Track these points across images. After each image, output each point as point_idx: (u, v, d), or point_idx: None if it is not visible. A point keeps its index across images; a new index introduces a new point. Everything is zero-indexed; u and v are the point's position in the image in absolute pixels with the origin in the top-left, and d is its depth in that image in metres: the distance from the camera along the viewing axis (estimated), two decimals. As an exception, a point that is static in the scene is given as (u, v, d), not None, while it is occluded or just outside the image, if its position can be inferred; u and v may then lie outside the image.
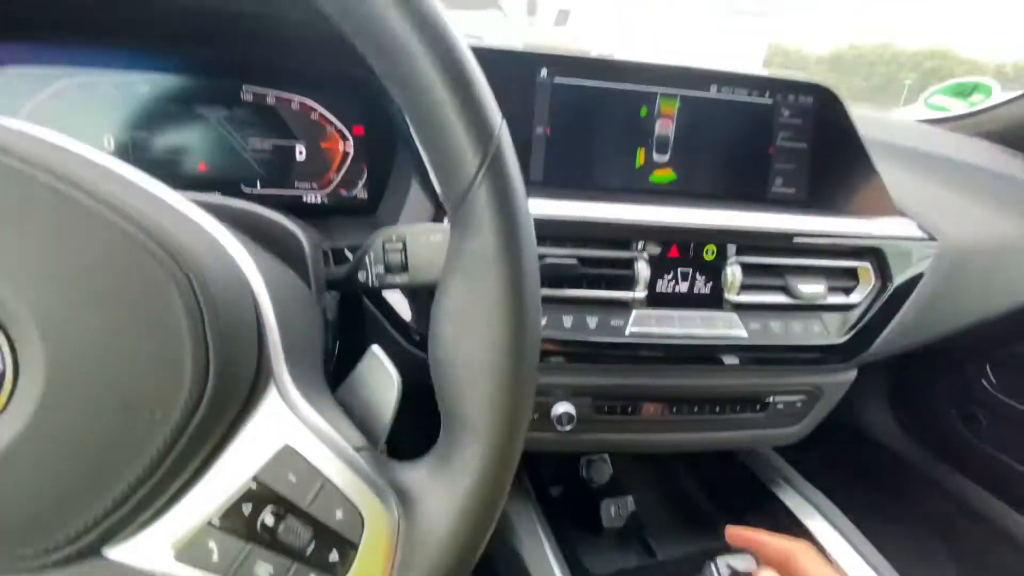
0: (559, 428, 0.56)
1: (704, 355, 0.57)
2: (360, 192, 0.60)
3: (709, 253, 0.56)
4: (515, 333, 0.27)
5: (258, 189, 0.57)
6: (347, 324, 0.49)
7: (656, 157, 0.60)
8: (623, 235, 0.54)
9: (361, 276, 0.40)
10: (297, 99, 0.56)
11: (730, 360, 0.58)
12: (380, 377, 0.34)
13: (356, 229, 0.53)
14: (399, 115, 0.55)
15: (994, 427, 0.99)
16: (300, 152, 0.57)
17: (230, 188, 0.57)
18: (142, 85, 0.52)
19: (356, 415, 0.34)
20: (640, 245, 0.55)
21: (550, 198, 0.53)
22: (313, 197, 0.59)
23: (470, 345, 0.27)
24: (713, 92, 0.59)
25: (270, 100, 0.55)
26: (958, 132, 1.03)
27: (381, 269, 0.40)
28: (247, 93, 0.55)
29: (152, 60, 0.52)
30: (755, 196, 0.61)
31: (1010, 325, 0.74)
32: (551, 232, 0.52)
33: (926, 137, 0.90)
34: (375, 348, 0.34)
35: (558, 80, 0.57)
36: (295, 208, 0.58)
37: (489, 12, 3.44)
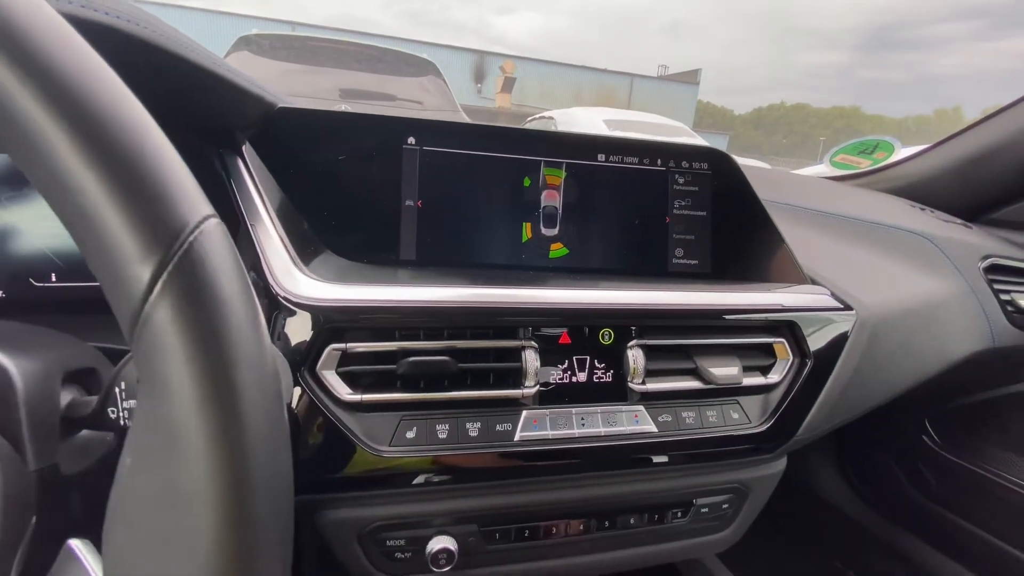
0: (436, 570, 0.45)
1: (610, 458, 0.48)
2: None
3: (606, 337, 0.48)
4: (233, 552, 0.17)
5: (52, 282, 0.46)
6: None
7: (544, 231, 0.53)
8: (506, 321, 0.46)
9: (112, 412, 0.30)
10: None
11: (641, 461, 0.49)
12: (78, 585, 0.23)
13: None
14: (251, 184, 0.46)
15: (944, 487, 0.95)
16: (112, 236, 0.47)
17: (17, 283, 0.45)
18: None
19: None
20: (527, 332, 0.46)
21: (421, 281, 0.45)
22: (129, 289, 0.48)
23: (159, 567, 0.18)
24: (601, 160, 0.54)
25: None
26: (865, 188, 1.05)
27: (134, 403, 0.29)
28: (38, 169, 0.45)
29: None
30: (655, 270, 0.55)
31: (943, 383, 0.70)
32: (421, 322, 0.44)
33: (834, 195, 0.90)
34: (73, 544, 0.23)
35: (428, 148, 0.51)
36: (99, 304, 0.47)
37: (429, 79, 3.51)
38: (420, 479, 0.44)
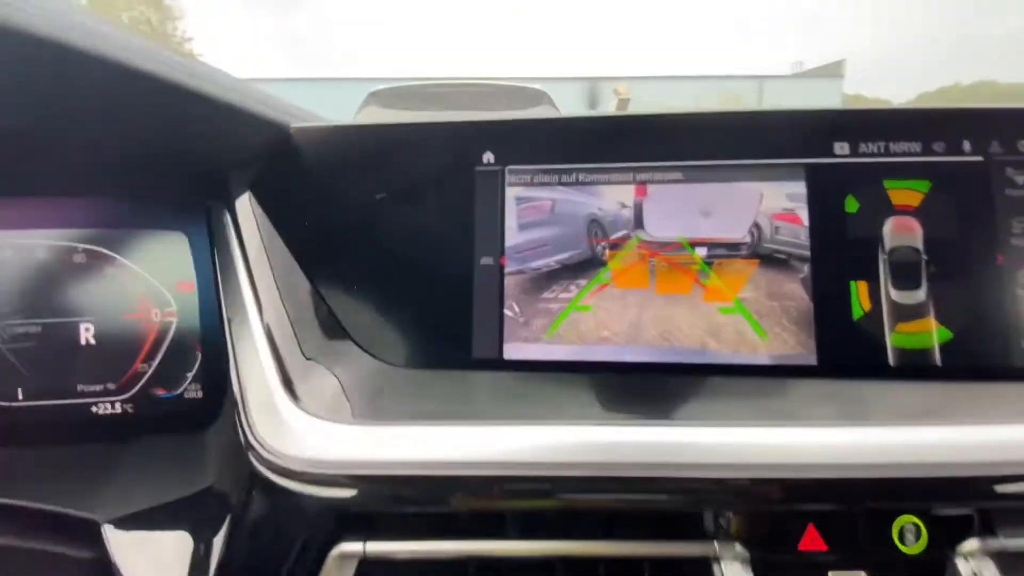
0: None
1: None
2: (191, 390, 0.34)
3: (908, 536, 0.22)
4: None
5: (19, 400, 0.33)
6: None
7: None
8: (672, 503, 0.22)
9: None
10: (81, 246, 0.33)
11: None
12: None
13: (185, 457, 0.31)
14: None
15: None
16: (86, 333, 0.34)
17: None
18: None
19: None
20: (722, 521, 0.22)
21: (508, 409, 0.24)
22: (108, 406, 0.34)
23: None
24: (842, 154, 0.28)
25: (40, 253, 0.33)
26: None
27: None
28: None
29: None
30: (987, 370, 0.27)
31: None
32: (508, 504, 0.22)
33: None
34: None
35: (515, 168, 0.30)
36: (81, 426, 0.34)
37: (543, 108, 3.47)
38: None
